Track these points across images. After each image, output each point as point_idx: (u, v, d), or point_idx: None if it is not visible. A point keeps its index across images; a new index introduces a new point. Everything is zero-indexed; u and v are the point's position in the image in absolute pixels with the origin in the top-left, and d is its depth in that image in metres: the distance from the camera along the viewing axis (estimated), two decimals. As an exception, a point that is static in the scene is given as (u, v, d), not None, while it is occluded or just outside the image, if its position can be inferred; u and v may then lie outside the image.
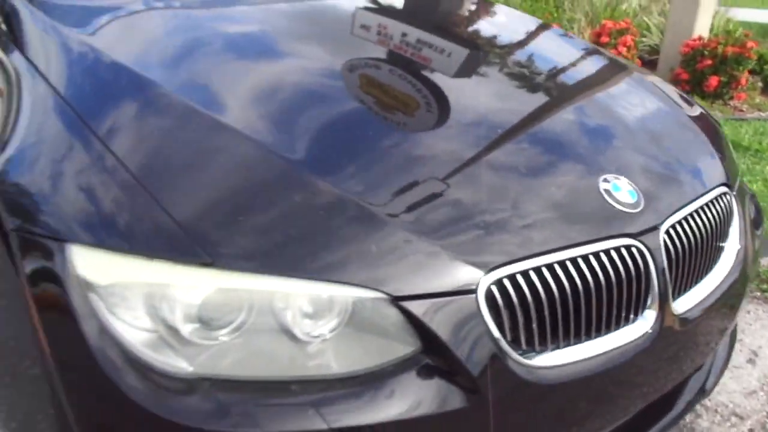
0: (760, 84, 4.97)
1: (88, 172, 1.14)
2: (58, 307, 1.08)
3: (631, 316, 1.19)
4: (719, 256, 1.40)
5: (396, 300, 1.01)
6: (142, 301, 1.04)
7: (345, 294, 1.02)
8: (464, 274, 1.03)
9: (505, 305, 1.05)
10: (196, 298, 1.02)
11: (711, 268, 1.37)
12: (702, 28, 4.78)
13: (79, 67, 1.41)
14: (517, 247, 1.08)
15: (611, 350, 1.15)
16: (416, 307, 1.01)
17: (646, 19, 5.47)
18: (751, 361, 2.06)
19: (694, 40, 4.66)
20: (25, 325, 2.06)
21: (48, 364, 1.13)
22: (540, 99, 1.53)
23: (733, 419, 1.83)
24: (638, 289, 1.18)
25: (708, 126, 1.65)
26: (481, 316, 1.03)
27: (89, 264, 1.06)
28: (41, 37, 1.55)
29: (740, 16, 5.68)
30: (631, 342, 1.17)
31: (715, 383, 1.52)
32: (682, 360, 1.28)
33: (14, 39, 1.63)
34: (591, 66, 1.90)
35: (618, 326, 1.17)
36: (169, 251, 1.02)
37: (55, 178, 1.16)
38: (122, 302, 1.05)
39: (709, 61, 4.49)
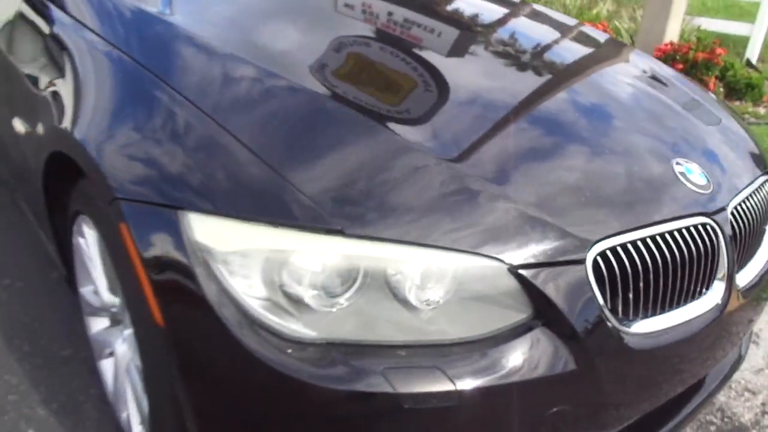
0: (722, 89, 5.24)
1: (199, 142, 1.15)
2: (173, 273, 1.09)
3: (703, 289, 1.28)
4: (762, 239, 1.51)
5: (513, 268, 1.06)
6: (260, 268, 1.06)
7: (463, 262, 1.07)
8: (574, 245, 1.10)
9: (608, 275, 1.12)
10: (321, 265, 1.05)
11: (757, 249, 1.48)
12: (672, 34, 5.01)
13: (156, 37, 1.42)
14: (616, 222, 1.15)
15: (689, 320, 1.23)
16: (532, 275, 1.07)
17: (617, 23, 5.68)
18: (755, 342, 2.20)
19: (666, 45, 4.88)
20: (47, 306, 2.02)
21: (155, 331, 1.14)
22: (610, 88, 1.62)
23: (747, 394, 1.97)
24: (711, 264, 1.27)
25: (737, 117, 1.78)
26: (590, 285, 1.10)
27: (208, 231, 1.08)
28: (109, 11, 1.54)
29: (702, 26, 5.95)
30: (705, 312, 1.26)
31: (747, 350, 1.65)
32: (738, 329, 1.38)
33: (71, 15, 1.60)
34: (620, 53, 2.00)
35: (692, 299, 1.26)
36: (296, 219, 1.05)
37: (164, 146, 1.17)
38: (239, 270, 1.07)
39: (680, 66, 4.71)
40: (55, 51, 1.55)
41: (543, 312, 1.08)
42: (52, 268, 2.25)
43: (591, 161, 1.26)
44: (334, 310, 1.06)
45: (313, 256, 1.05)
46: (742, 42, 6.05)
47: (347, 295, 1.06)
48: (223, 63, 1.33)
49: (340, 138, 1.17)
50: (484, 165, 1.17)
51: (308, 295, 1.06)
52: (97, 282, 1.51)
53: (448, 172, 1.14)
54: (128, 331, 1.43)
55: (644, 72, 1.83)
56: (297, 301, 1.06)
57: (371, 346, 1.06)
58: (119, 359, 1.51)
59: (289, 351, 1.04)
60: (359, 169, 1.12)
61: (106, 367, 1.61)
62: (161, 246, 1.10)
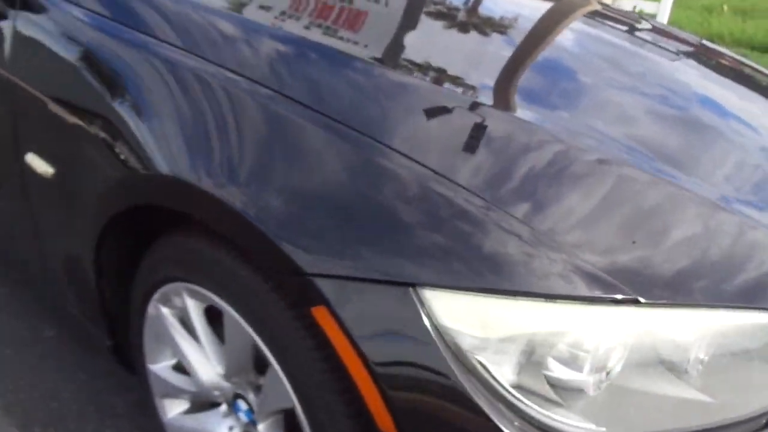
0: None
1: (422, 198, 0.89)
2: (412, 367, 0.84)
3: None
4: None
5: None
6: (520, 352, 0.84)
7: (746, 320, 0.90)
8: None
9: None
10: (604, 343, 0.84)
11: None
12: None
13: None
14: None
15: None
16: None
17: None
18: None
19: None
20: (56, 377, 1.63)
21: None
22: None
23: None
24: None
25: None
26: None
27: (455, 312, 0.84)
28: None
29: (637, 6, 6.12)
30: None
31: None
32: None
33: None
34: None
35: None
36: (575, 290, 0.83)
37: (365, 202, 0.90)
38: (494, 356, 0.84)
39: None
40: (120, 73, 1.17)
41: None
42: (42, 327, 1.84)
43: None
44: (601, 390, 0.86)
45: (595, 333, 0.84)
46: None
47: (616, 370, 0.87)
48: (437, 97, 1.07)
49: (598, 183, 0.96)
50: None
51: (586, 380, 0.85)
52: (192, 361, 1.20)
53: (727, 220, 0.97)
54: (263, 426, 1.14)
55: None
56: (563, 387, 0.86)
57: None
58: (228, 453, 1.21)
59: None
60: (629, 222, 0.92)
61: (195, 459, 1.30)
62: (390, 335, 0.85)
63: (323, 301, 0.87)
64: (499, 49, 1.46)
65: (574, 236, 0.87)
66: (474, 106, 1.09)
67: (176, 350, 1.22)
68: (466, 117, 1.05)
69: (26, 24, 1.34)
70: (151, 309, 1.23)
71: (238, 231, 0.95)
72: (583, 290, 0.83)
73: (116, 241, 1.24)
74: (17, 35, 1.35)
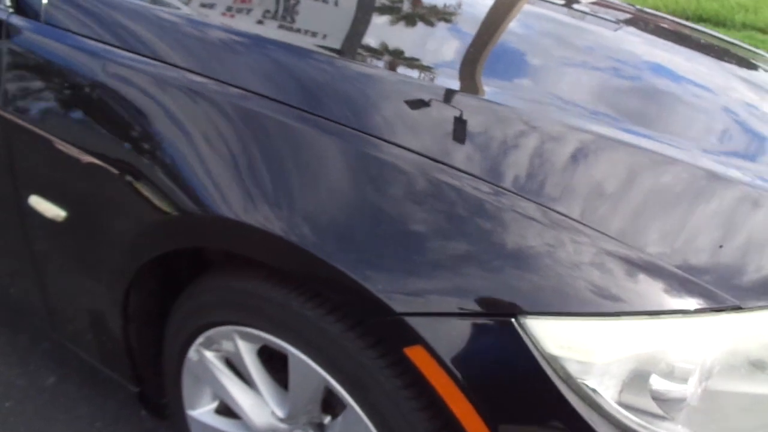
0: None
1: (513, 226, 0.85)
2: (525, 402, 0.81)
3: None
4: None
5: None
6: (624, 371, 0.83)
7: None
8: None
9: None
10: (714, 351, 0.83)
11: None
12: None
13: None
14: None
15: None
16: None
17: None
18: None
19: None
20: (65, 427, 1.51)
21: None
22: None
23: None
24: None
25: None
26: None
27: (560, 339, 0.81)
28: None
29: None
30: None
31: None
32: None
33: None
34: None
35: None
36: (678, 303, 0.82)
37: (451, 230, 0.85)
38: (602, 378, 0.82)
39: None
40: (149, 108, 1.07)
41: None
42: (40, 374, 1.73)
43: None
44: (701, 398, 0.86)
45: (700, 344, 0.83)
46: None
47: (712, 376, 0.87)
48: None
49: (679, 189, 0.94)
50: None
51: (691, 391, 0.84)
52: (243, 404, 1.14)
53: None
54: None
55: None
56: (665, 399, 0.84)
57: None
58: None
59: None
60: (710, 224, 0.91)
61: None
62: (494, 368, 0.81)
63: (419, 340, 0.82)
64: (457, 39, 1.41)
65: (665, 246, 0.86)
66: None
67: (224, 394, 1.15)
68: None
69: (17, 53, 1.23)
70: (192, 353, 1.16)
71: (314, 274, 0.89)
72: (686, 302, 0.81)
73: (145, 285, 1.16)
74: (7, 67, 1.24)
